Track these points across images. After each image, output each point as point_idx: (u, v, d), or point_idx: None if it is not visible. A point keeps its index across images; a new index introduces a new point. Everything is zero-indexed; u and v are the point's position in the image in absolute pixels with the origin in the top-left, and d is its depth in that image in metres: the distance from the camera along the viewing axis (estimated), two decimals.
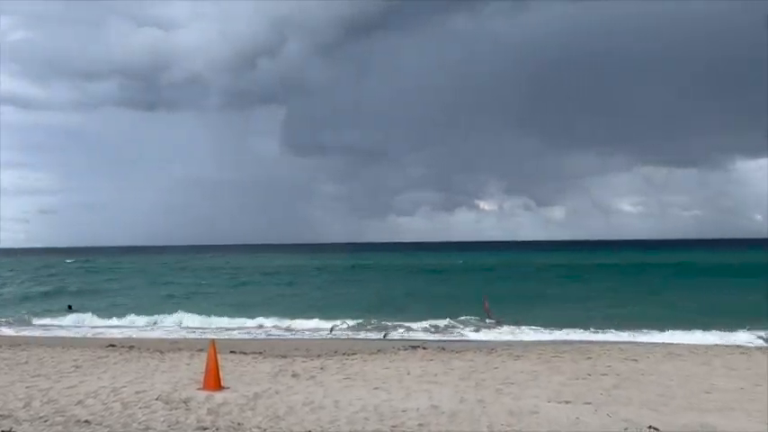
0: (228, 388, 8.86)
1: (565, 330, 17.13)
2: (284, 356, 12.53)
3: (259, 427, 6.94)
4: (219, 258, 79.24)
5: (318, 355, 12.76)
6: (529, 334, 16.98)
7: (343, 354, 12.94)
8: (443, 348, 13.71)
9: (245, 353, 13.03)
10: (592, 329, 17.09)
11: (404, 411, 7.61)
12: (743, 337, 15.79)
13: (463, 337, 17.00)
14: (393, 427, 6.98)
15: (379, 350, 13.50)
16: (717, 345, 14.47)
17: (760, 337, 15.79)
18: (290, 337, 18.02)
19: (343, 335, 18.07)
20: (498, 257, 72.73)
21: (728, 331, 16.34)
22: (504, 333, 17.24)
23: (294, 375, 10.17)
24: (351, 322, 19.35)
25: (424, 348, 13.69)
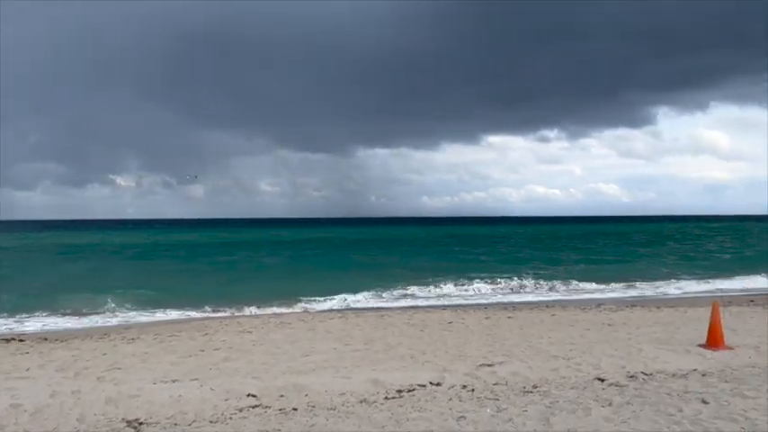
0: None
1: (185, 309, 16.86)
2: None
3: None
4: None
5: None
6: (146, 316, 16.20)
7: None
8: (46, 338, 12.20)
9: None
10: (209, 307, 17.03)
11: None
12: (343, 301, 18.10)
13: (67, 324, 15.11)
14: None
15: None
16: (322, 311, 16.19)
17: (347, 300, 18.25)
18: None
19: None
20: (136, 236, 68.97)
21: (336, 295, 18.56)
22: (116, 318, 15.97)
23: None
24: None
25: (21, 341, 11.95)
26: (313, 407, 6.76)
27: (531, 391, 7.18)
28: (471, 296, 20.06)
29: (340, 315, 14.99)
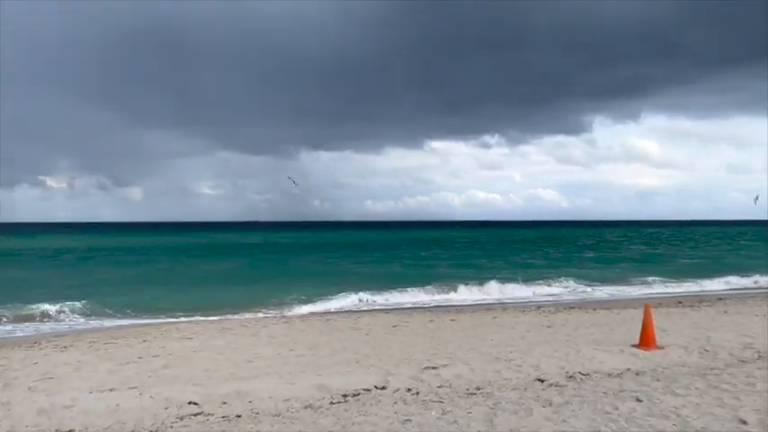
0: None
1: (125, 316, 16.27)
2: None
3: None
4: None
5: None
6: (80, 323, 15.51)
7: None
8: None
9: None
10: (147, 313, 16.51)
11: None
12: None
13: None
14: None
15: None
16: (266, 317, 15.97)
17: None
18: None
19: None
20: (69, 240, 66.21)
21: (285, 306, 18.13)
22: (47, 326, 15.23)
23: None
24: None
25: None
26: (257, 413, 6.66)
27: (475, 393, 7.29)
28: (415, 299, 20.21)
29: (284, 320, 14.83)
